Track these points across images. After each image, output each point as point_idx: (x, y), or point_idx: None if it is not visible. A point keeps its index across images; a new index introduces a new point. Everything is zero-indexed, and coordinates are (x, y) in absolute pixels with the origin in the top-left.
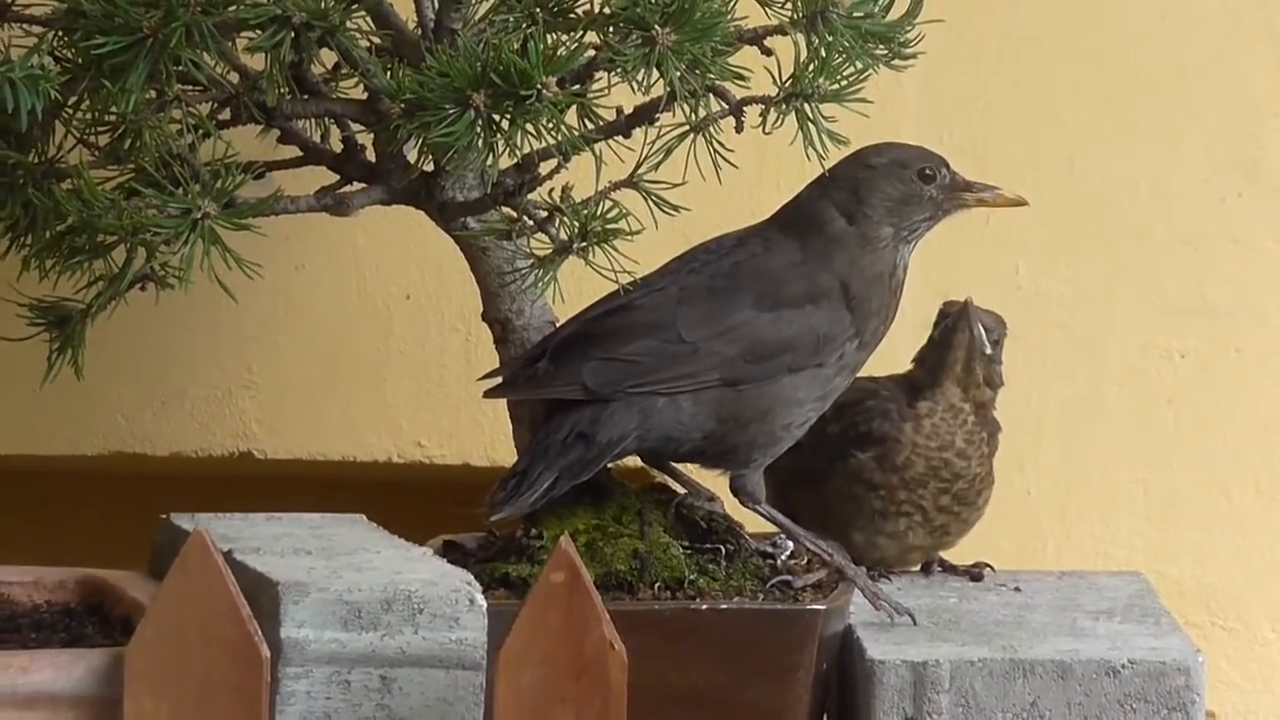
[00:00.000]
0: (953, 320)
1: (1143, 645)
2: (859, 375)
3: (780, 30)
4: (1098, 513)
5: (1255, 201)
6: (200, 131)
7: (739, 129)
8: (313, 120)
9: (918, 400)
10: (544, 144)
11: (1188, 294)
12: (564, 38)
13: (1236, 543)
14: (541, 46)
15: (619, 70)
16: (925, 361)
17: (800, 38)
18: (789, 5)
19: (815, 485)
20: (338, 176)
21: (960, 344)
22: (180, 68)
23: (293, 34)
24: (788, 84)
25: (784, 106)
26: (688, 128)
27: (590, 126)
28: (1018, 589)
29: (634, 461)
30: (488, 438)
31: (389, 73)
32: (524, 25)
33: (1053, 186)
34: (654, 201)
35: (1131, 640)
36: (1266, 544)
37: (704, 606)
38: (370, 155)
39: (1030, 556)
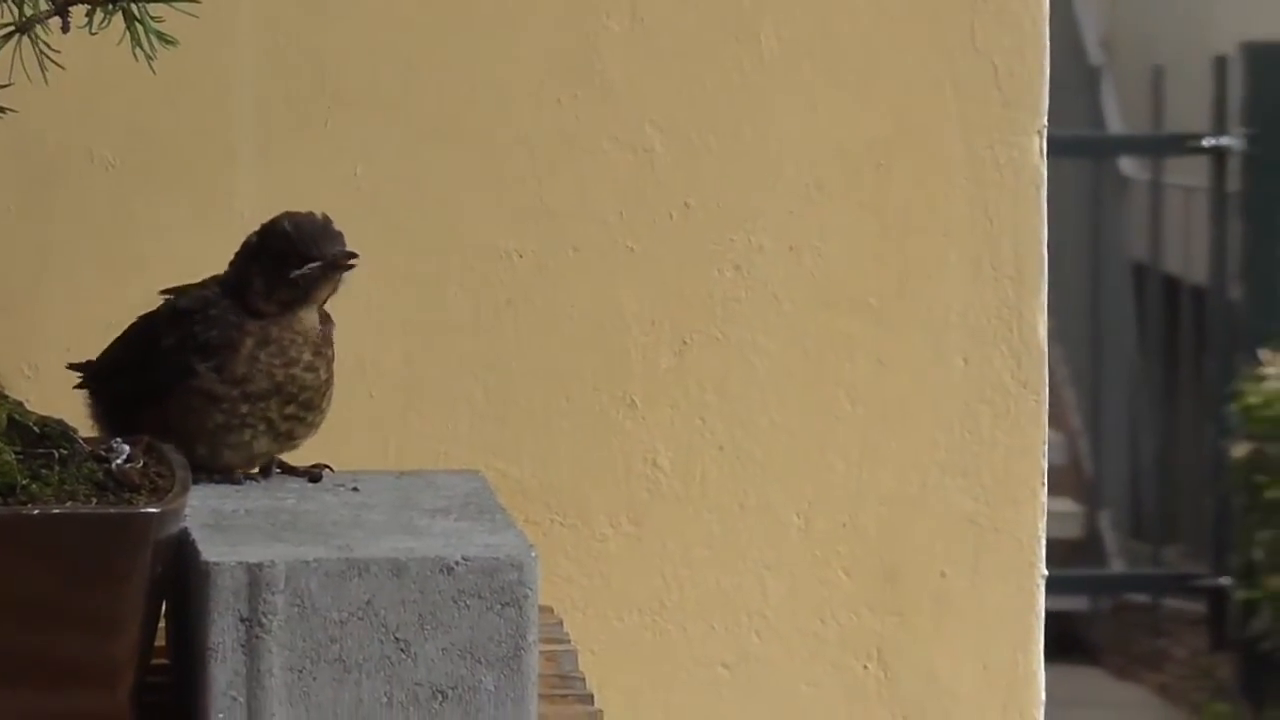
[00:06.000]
0: (320, 270)
1: (478, 542)
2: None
3: None
4: (439, 413)
5: (590, 102)
6: None
7: (65, 29)
8: None
9: (261, 318)
10: None
11: (525, 195)
12: None
13: (575, 440)
14: None
15: None
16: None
17: None
18: None
19: (157, 402)
20: None
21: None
22: None
23: None
24: None
25: (110, 7)
26: (13, 28)
27: None
28: (356, 489)
29: None
30: None
31: None
32: None
33: (391, 88)
34: None
35: (467, 537)
36: (604, 441)
37: (35, 511)
38: None
39: (372, 457)
